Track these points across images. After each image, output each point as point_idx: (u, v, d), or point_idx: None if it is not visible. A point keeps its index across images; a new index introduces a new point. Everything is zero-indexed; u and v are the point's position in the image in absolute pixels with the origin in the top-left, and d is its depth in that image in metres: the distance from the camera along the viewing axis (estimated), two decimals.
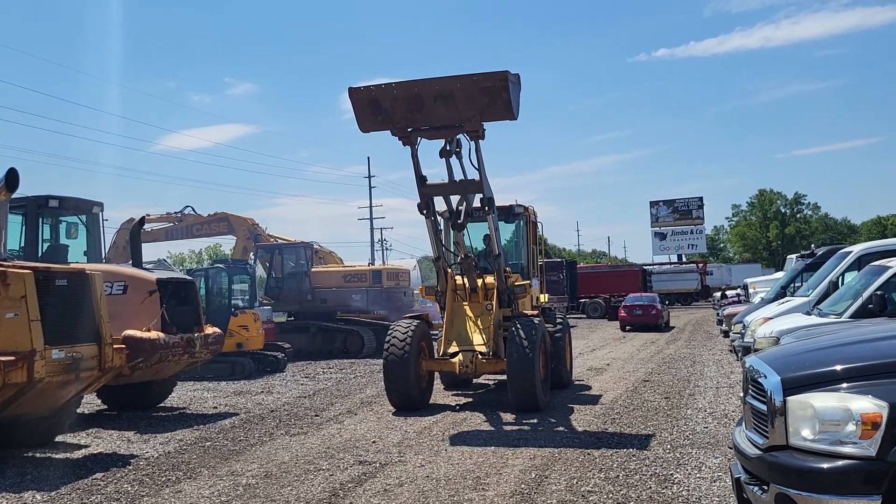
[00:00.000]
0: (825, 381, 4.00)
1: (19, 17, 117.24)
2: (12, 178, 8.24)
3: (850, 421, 3.72)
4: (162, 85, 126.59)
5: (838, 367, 4.08)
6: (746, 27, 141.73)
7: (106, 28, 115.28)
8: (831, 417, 3.80)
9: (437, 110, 9.55)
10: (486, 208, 10.64)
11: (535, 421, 9.76)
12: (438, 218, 11.49)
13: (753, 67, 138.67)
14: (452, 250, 11.72)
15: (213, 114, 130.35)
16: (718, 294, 40.04)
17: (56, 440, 9.08)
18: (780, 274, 25.55)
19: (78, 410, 9.66)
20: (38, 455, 8.50)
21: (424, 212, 10.83)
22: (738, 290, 31.82)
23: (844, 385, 3.92)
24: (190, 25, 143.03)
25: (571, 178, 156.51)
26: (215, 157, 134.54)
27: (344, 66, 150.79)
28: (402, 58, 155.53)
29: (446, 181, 10.63)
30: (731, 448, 6.65)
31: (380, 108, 9.64)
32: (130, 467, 7.78)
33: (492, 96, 9.26)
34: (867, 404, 3.70)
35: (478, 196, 10.77)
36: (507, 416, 10.17)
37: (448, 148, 10.31)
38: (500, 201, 13.13)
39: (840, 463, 3.70)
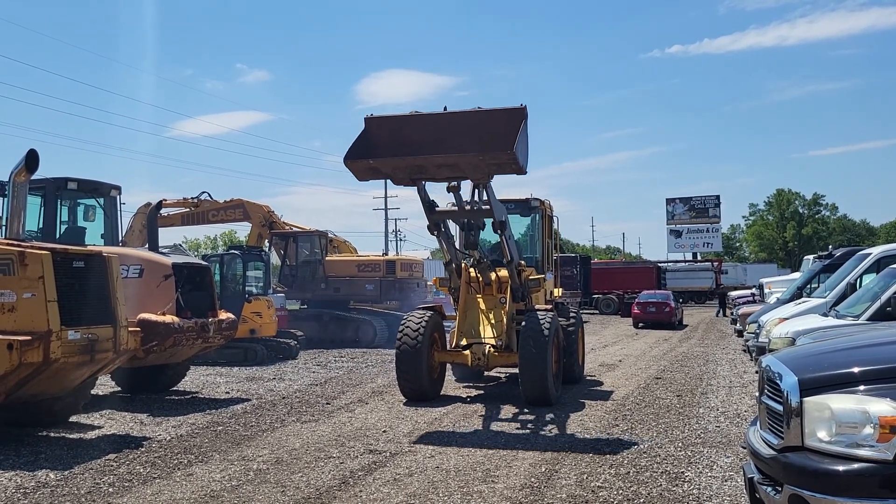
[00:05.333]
0: (843, 383, 3.96)
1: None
2: (32, 159, 8.29)
3: (868, 423, 3.67)
4: (177, 71, 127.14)
5: (856, 370, 4.04)
6: (761, 25, 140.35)
7: (122, 12, 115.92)
8: (848, 419, 3.75)
9: (442, 172, 9.31)
10: (499, 231, 10.59)
11: (546, 415, 9.75)
12: (450, 223, 11.35)
13: (769, 66, 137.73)
14: (465, 251, 11.59)
15: (226, 99, 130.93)
16: (731, 295, 39.60)
17: (70, 421, 9.16)
18: (796, 274, 25.38)
19: (92, 392, 9.73)
20: (52, 434, 8.59)
21: (435, 233, 10.74)
22: (754, 290, 31.61)
23: (862, 387, 3.87)
24: (200, 10, 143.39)
25: (586, 173, 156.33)
26: (229, 143, 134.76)
27: (357, 54, 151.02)
28: (415, 48, 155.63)
29: (456, 207, 10.35)
30: (743, 448, 6.61)
31: (380, 172, 9.41)
32: (143, 449, 7.84)
33: (500, 167, 9.00)
34: (886, 407, 3.66)
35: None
36: (519, 410, 10.16)
37: (456, 184, 10.00)
38: (515, 195, 13.08)
39: (856, 465, 3.66)
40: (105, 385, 11.97)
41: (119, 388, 11.91)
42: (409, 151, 8.92)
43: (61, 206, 12.68)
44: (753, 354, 14.40)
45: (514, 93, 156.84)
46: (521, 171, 8.91)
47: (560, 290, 14.53)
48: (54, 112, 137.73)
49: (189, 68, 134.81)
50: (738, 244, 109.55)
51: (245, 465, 7.16)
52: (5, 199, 9.70)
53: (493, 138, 8.64)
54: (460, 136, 8.85)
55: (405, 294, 21.88)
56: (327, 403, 10.82)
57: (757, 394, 4.79)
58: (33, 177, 8.83)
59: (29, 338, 7.37)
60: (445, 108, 9.38)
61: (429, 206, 10.19)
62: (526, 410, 10.10)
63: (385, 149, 8.99)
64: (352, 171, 9.16)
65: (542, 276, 12.39)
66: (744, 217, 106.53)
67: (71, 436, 8.56)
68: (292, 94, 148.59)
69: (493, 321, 11.13)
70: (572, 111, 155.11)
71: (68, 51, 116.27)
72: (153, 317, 10.12)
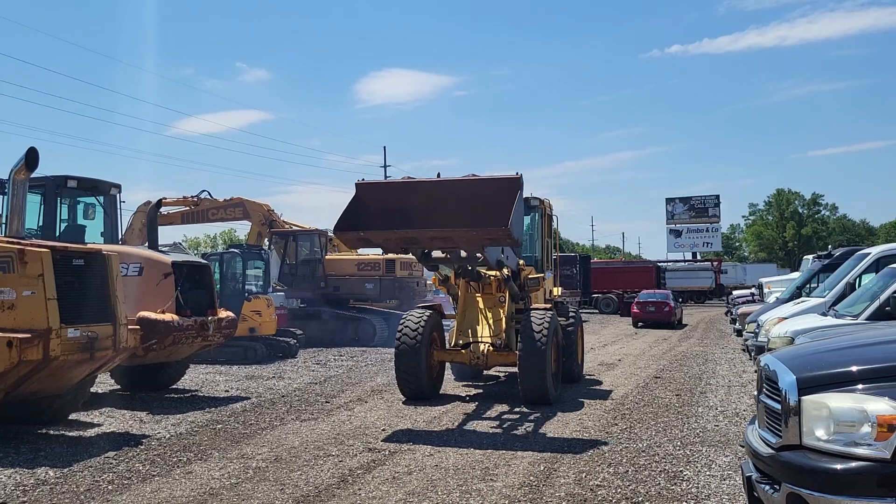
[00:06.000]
0: (841, 382, 3.96)
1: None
2: (32, 157, 8.30)
3: (866, 422, 3.67)
4: (177, 70, 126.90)
5: (855, 368, 4.04)
6: (761, 25, 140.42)
7: (123, 11, 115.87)
8: (846, 418, 3.75)
9: (434, 244, 9.22)
10: (498, 270, 10.71)
11: (545, 414, 9.75)
12: None
13: (768, 66, 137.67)
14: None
15: (226, 98, 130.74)
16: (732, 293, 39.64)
17: (69, 418, 9.17)
18: (795, 274, 25.37)
19: (91, 390, 9.73)
20: (51, 432, 8.59)
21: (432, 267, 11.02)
22: (753, 290, 31.65)
23: (861, 386, 3.88)
24: (200, 9, 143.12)
25: (586, 173, 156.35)
26: (229, 142, 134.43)
27: (357, 54, 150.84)
28: (415, 48, 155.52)
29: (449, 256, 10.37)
30: (741, 447, 6.62)
31: (371, 243, 9.30)
32: (142, 447, 7.85)
33: (494, 240, 8.88)
34: (884, 406, 3.66)
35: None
36: (517, 409, 10.17)
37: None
38: None
39: (854, 464, 3.66)
40: (104, 383, 11.98)
41: (119, 386, 11.92)
42: (400, 223, 8.77)
43: (61, 204, 12.66)
44: (752, 354, 14.40)
45: (513, 92, 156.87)
46: (516, 244, 8.79)
47: (559, 289, 14.54)
48: (53, 110, 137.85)
49: (189, 67, 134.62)
50: (737, 244, 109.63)
51: (244, 463, 7.17)
52: (5, 197, 9.71)
53: (487, 212, 8.49)
54: (453, 207, 8.72)
55: (405, 293, 21.89)
56: (326, 402, 10.83)
57: (755, 393, 4.80)
58: (33, 175, 8.83)
59: (28, 335, 7.38)
60: (438, 175, 9.34)
61: (424, 257, 10.14)
62: (525, 409, 10.10)
63: (376, 219, 8.86)
64: (342, 241, 9.12)
65: (542, 275, 12.40)
66: (743, 217, 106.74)
67: (70, 433, 8.57)
68: (292, 94, 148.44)
69: (492, 320, 11.14)
70: (572, 111, 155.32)
71: (68, 49, 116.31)
72: (153, 315, 10.12)
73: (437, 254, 10.17)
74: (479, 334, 11.02)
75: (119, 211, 13.46)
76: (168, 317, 10.27)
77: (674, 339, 23.91)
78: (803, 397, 3.95)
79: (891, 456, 3.58)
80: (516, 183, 8.78)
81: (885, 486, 3.57)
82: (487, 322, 11.16)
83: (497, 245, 9.18)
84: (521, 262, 11.85)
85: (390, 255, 24.80)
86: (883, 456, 3.60)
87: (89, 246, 9.44)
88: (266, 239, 22.96)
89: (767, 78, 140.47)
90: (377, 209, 9.01)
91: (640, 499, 5.95)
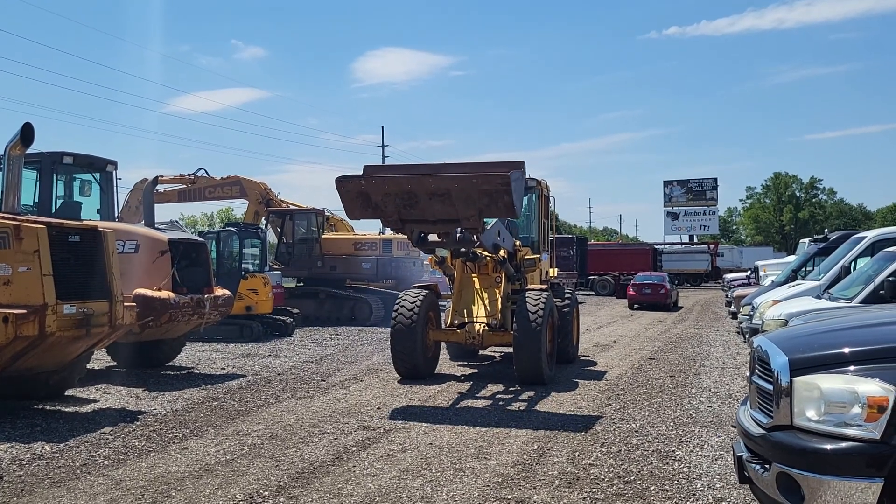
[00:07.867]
0: (833, 363, 3.98)
1: None
2: (27, 133, 8.25)
3: (857, 403, 3.70)
4: (173, 47, 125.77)
5: (846, 350, 4.06)
6: (759, 7, 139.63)
7: None
8: (837, 399, 3.78)
9: (433, 207, 8.93)
10: (492, 255, 10.82)
11: (540, 394, 9.81)
12: None
13: (767, 49, 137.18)
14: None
15: (222, 76, 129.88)
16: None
17: (66, 394, 9.21)
18: (791, 257, 25.42)
19: (88, 366, 9.76)
20: (47, 408, 8.63)
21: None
22: (749, 273, 31.72)
23: (852, 368, 3.89)
24: None
25: (584, 154, 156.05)
26: (226, 120, 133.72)
27: (353, 32, 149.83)
28: (413, 27, 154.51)
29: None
30: (733, 427, 6.67)
31: (370, 201, 9.05)
32: (138, 423, 7.89)
33: (492, 198, 8.61)
34: (874, 387, 3.68)
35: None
36: (512, 389, 10.23)
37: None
38: None
39: (844, 445, 3.69)
40: (101, 360, 12.01)
41: (115, 363, 11.96)
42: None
43: (57, 180, 12.60)
44: (747, 336, 14.46)
45: (510, 73, 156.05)
46: (512, 209, 8.67)
47: (556, 270, 14.56)
48: (49, 86, 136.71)
49: (184, 44, 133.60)
50: (734, 227, 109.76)
51: (240, 439, 7.21)
52: (1, 173, 9.67)
53: (487, 171, 8.86)
54: (455, 175, 8.97)
55: (401, 272, 21.91)
56: (322, 380, 10.87)
57: (748, 374, 4.82)
58: (29, 150, 8.78)
59: (24, 311, 7.38)
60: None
61: (420, 241, 10.08)
62: (519, 389, 10.16)
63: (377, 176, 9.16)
64: (342, 196, 9.08)
65: (538, 256, 12.41)
66: (741, 200, 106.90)
67: (67, 409, 8.60)
68: (288, 72, 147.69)
69: (487, 301, 11.18)
70: (570, 92, 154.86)
71: (64, 25, 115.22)
72: (149, 292, 10.13)
73: (433, 237, 10.20)
74: (475, 314, 11.06)
75: (115, 188, 13.42)
76: (164, 294, 10.28)
77: (669, 321, 24.00)
78: (795, 378, 3.97)
79: (880, 436, 3.61)
80: (519, 164, 8.97)
81: (874, 467, 3.60)
82: (483, 302, 11.20)
83: (494, 210, 9.19)
84: (518, 242, 11.87)
85: (387, 235, 24.84)
86: (872, 436, 3.63)
87: (85, 222, 9.43)
88: (263, 218, 22.93)
89: (765, 61, 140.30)
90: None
91: (632, 478, 6.00)
